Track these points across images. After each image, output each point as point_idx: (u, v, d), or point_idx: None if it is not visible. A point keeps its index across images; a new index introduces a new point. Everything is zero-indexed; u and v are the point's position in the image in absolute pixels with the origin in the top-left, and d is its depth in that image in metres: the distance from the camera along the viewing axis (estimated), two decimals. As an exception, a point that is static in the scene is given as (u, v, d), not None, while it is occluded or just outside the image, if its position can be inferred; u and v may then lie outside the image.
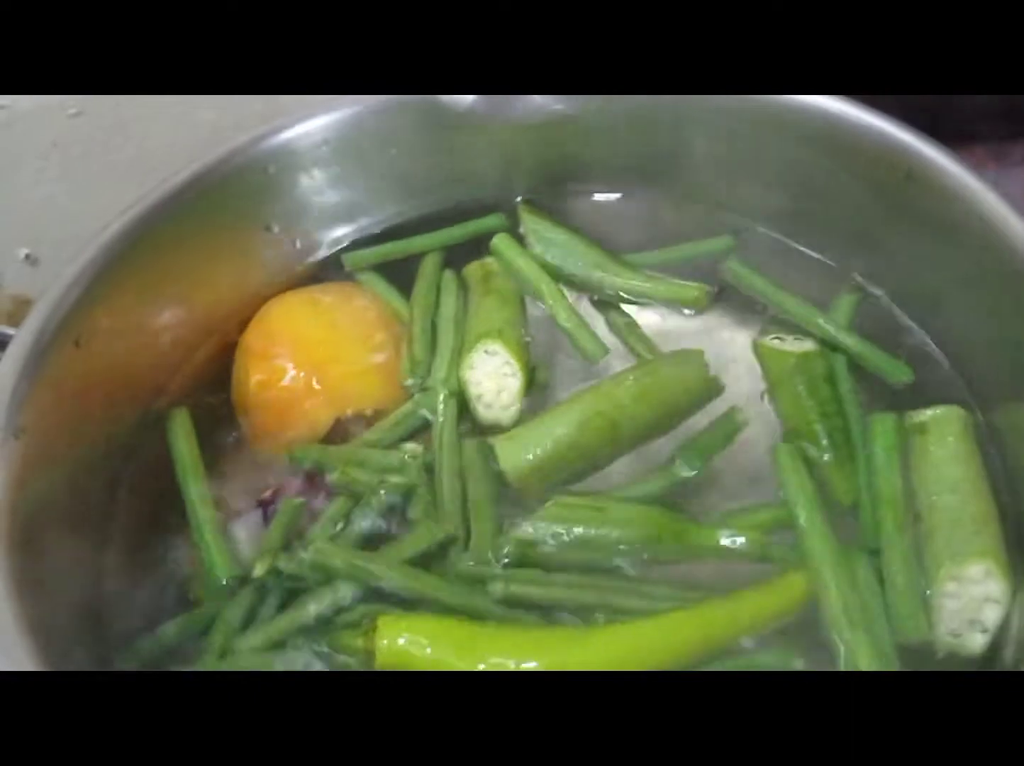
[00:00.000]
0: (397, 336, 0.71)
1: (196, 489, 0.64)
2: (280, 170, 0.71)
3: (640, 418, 0.64)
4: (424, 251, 0.76)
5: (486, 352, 0.68)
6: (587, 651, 0.56)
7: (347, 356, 0.68)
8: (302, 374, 0.66)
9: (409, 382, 0.68)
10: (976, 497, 0.59)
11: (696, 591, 0.59)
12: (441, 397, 0.66)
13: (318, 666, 0.57)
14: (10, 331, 0.59)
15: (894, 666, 0.55)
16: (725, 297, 0.73)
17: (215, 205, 0.68)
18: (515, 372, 0.67)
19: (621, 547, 0.60)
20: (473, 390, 0.67)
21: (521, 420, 0.66)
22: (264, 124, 0.71)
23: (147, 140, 0.87)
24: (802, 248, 0.75)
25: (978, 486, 0.60)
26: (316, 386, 0.66)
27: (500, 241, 0.75)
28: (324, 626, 0.58)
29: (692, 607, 0.58)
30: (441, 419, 0.66)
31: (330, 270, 0.76)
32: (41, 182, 0.85)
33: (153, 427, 0.67)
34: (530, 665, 0.55)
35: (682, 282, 0.73)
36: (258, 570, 0.59)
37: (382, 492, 0.62)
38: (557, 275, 0.73)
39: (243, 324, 0.71)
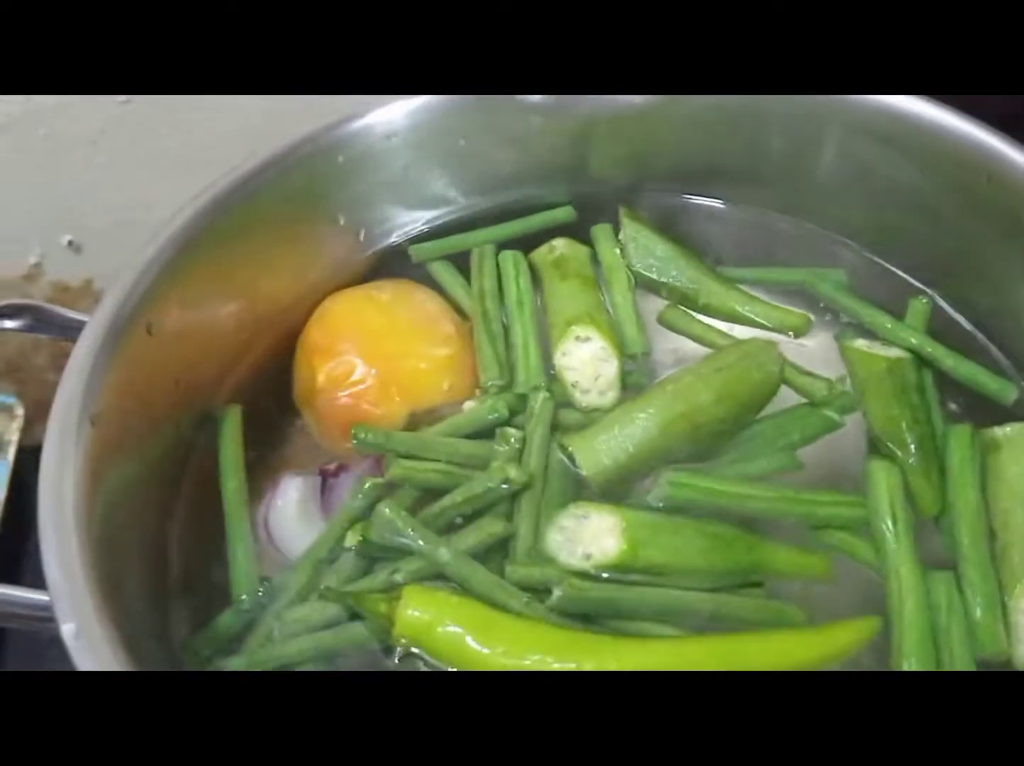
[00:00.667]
0: (462, 328, 0.70)
1: (234, 488, 0.64)
2: (349, 160, 0.70)
3: (723, 419, 0.64)
4: (492, 242, 0.76)
5: (577, 338, 0.67)
6: (603, 658, 0.55)
7: (415, 350, 0.67)
8: (372, 370, 0.66)
9: (491, 379, 0.67)
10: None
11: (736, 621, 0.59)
12: (540, 397, 0.65)
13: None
14: (84, 317, 0.58)
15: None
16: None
17: (284, 193, 0.68)
18: (610, 356, 0.67)
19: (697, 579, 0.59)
20: (568, 377, 0.66)
21: (621, 403, 0.66)
22: (323, 114, 0.70)
23: (195, 129, 0.87)
24: (884, 263, 0.76)
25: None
26: (387, 381, 0.66)
27: (599, 227, 0.76)
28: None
29: (723, 639, 0.58)
30: (534, 418, 0.64)
31: (392, 263, 0.76)
32: (87, 169, 0.84)
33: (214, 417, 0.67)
34: (541, 660, 0.55)
35: (784, 307, 0.72)
36: (349, 540, 0.60)
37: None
38: (654, 284, 0.73)
39: (305, 314, 0.71)
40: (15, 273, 0.64)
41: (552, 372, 0.67)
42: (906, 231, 0.72)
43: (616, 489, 0.62)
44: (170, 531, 0.63)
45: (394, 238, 0.77)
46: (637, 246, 0.74)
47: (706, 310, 0.72)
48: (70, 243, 0.89)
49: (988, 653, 0.56)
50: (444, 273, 0.75)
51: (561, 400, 0.66)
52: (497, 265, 0.74)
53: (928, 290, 0.73)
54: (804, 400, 0.66)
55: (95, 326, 0.57)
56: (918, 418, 0.64)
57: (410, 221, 0.77)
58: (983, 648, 0.56)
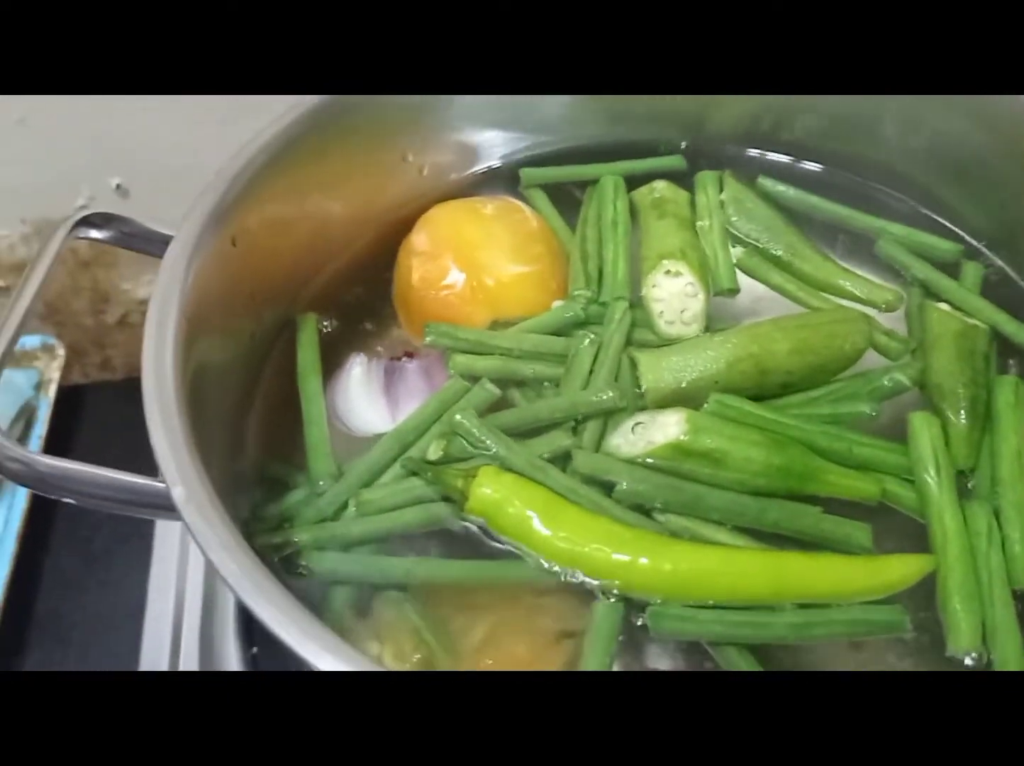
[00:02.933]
0: (554, 250, 0.76)
1: (313, 388, 0.69)
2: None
3: (791, 371, 0.67)
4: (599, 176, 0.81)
5: (668, 272, 0.72)
6: (658, 555, 0.58)
7: (506, 263, 0.72)
8: (463, 275, 0.71)
9: (578, 289, 0.73)
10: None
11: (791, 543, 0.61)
12: (621, 306, 0.71)
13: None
14: (170, 232, 0.61)
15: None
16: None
17: (357, 121, 0.73)
18: (697, 293, 0.72)
19: (755, 470, 0.62)
20: (655, 307, 0.71)
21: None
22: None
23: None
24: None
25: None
26: (475, 287, 0.71)
27: (706, 175, 0.81)
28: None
29: (776, 554, 0.60)
30: (614, 325, 0.70)
31: (495, 184, 0.83)
32: (138, 112, 0.86)
33: (288, 331, 0.73)
34: (599, 549, 0.58)
35: (876, 282, 0.75)
36: (431, 454, 0.63)
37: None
38: (750, 247, 0.77)
39: (372, 239, 0.78)
40: (62, 214, 0.67)
41: (640, 299, 0.73)
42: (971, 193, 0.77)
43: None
44: (248, 425, 0.69)
45: (496, 161, 0.84)
46: (738, 207, 0.79)
47: (800, 278, 0.75)
48: (118, 186, 0.92)
49: None
50: (540, 199, 0.81)
51: (644, 328, 0.72)
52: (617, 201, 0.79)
53: (990, 253, 0.77)
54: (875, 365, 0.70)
55: (187, 232, 0.61)
56: (977, 381, 0.67)
57: (518, 146, 0.84)
58: (1021, 581, 0.59)
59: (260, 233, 0.67)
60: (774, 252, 0.77)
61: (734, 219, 0.78)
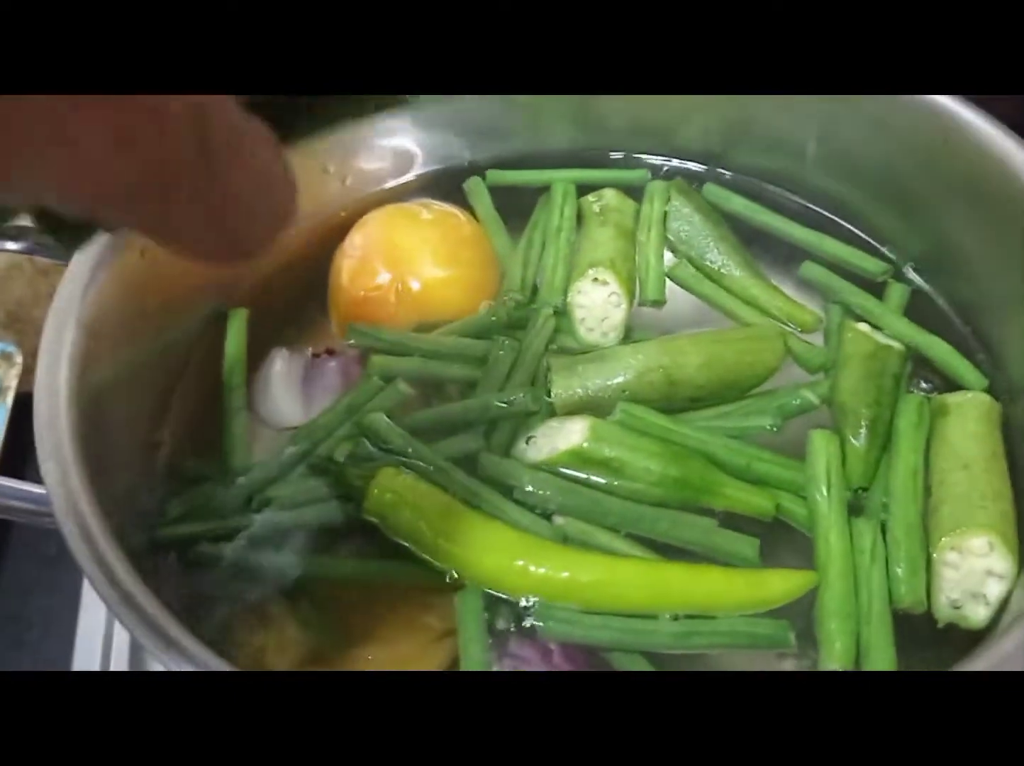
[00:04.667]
0: (486, 255, 0.77)
1: (237, 380, 0.70)
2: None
3: (701, 385, 0.68)
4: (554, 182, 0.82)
5: (595, 280, 0.73)
6: (539, 561, 0.59)
7: (433, 266, 0.74)
8: (389, 276, 0.73)
9: (511, 292, 0.74)
10: (988, 476, 0.62)
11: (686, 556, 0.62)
12: (544, 313, 0.72)
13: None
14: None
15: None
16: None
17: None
18: (620, 303, 0.73)
19: (652, 480, 0.63)
20: (577, 313, 0.73)
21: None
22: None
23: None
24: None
25: (992, 466, 0.63)
26: (401, 290, 0.72)
27: (656, 184, 0.81)
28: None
29: (658, 564, 0.61)
30: (536, 330, 0.71)
31: (442, 187, 0.84)
32: None
33: (211, 331, 0.73)
34: (488, 554, 0.59)
35: (799, 303, 0.75)
36: (338, 454, 0.65)
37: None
38: (686, 256, 0.78)
39: (306, 244, 0.78)
40: None
41: (563, 306, 0.74)
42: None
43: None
44: (166, 423, 0.69)
45: (429, 167, 0.85)
46: (679, 217, 0.79)
47: (729, 291, 0.76)
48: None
49: (907, 605, 0.59)
50: (483, 204, 0.82)
51: (568, 334, 0.73)
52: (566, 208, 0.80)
53: (915, 275, 0.78)
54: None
55: (92, 245, 0.61)
56: (881, 401, 0.67)
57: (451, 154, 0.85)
58: (900, 601, 0.59)
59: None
60: (708, 264, 0.77)
61: (675, 228, 0.79)
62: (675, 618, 0.58)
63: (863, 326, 0.71)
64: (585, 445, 0.62)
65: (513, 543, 0.60)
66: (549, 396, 0.67)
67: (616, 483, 0.62)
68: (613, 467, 0.63)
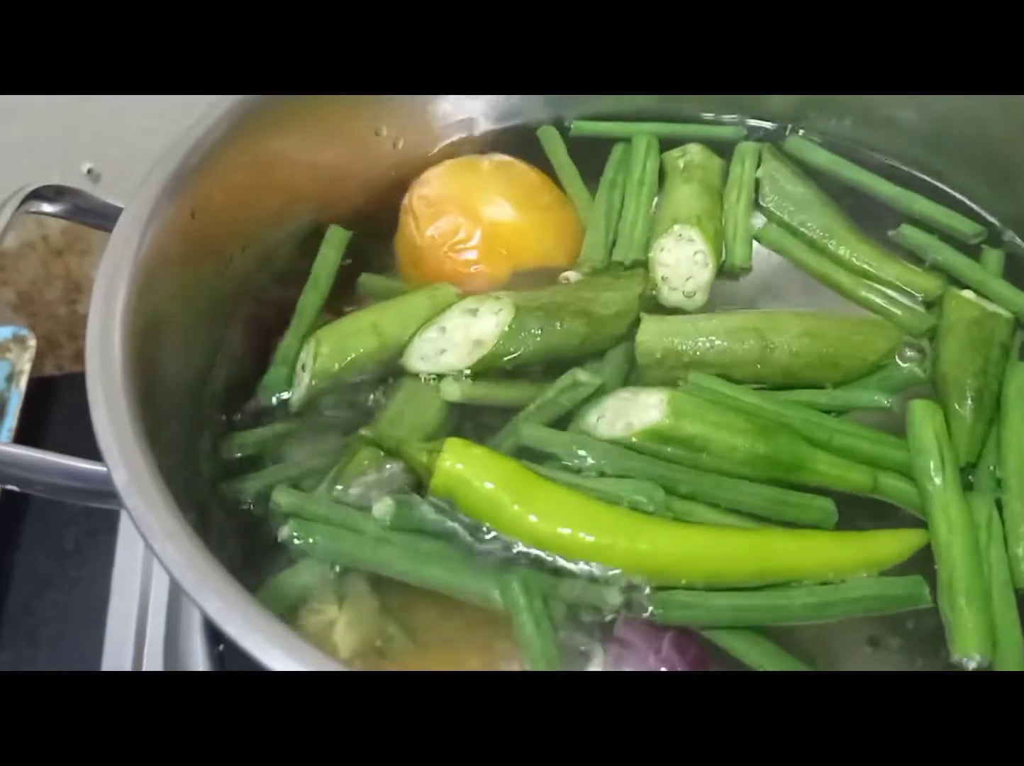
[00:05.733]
0: (562, 199, 0.75)
1: (312, 302, 0.68)
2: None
3: (799, 355, 0.63)
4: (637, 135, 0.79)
5: (680, 236, 0.70)
6: (633, 536, 0.55)
7: (516, 213, 0.70)
8: (477, 229, 0.69)
9: (592, 259, 0.71)
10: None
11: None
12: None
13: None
14: (122, 205, 0.58)
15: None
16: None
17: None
18: (707, 262, 0.69)
19: (739, 458, 0.58)
20: (660, 271, 0.69)
21: (705, 311, 0.68)
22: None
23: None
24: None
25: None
26: (494, 240, 0.69)
27: (748, 145, 0.78)
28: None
29: (761, 532, 0.57)
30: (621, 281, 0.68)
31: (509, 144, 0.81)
32: (111, 97, 0.85)
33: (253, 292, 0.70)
34: (573, 529, 0.54)
35: (918, 269, 0.70)
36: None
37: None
38: (784, 226, 0.74)
39: (344, 212, 0.74)
40: None
41: (646, 261, 0.71)
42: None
43: (660, 378, 0.63)
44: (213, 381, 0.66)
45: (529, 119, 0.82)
46: (773, 185, 0.75)
47: (836, 262, 0.71)
48: (89, 171, 0.89)
49: None
50: (558, 152, 0.79)
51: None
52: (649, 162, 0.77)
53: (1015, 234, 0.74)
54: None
55: (140, 203, 0.59)
56: (988, 371, 0.63)
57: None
58: (1022, 581, 0.56)
59: (223, 204, 0.65)
60: (807, 231, 0.73)
61: (769, 193, 0.75)
62: (806, 587, 0.55)
63: (968, 293, 0.68)
64: (666, 422, 0.58)
65: (607, 520, 0.55)
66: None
67: (699, 459, 0.58)
68: (696, 446, 0.58)
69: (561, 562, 0.55)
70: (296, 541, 0.56)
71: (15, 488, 0.54)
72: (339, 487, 0.58)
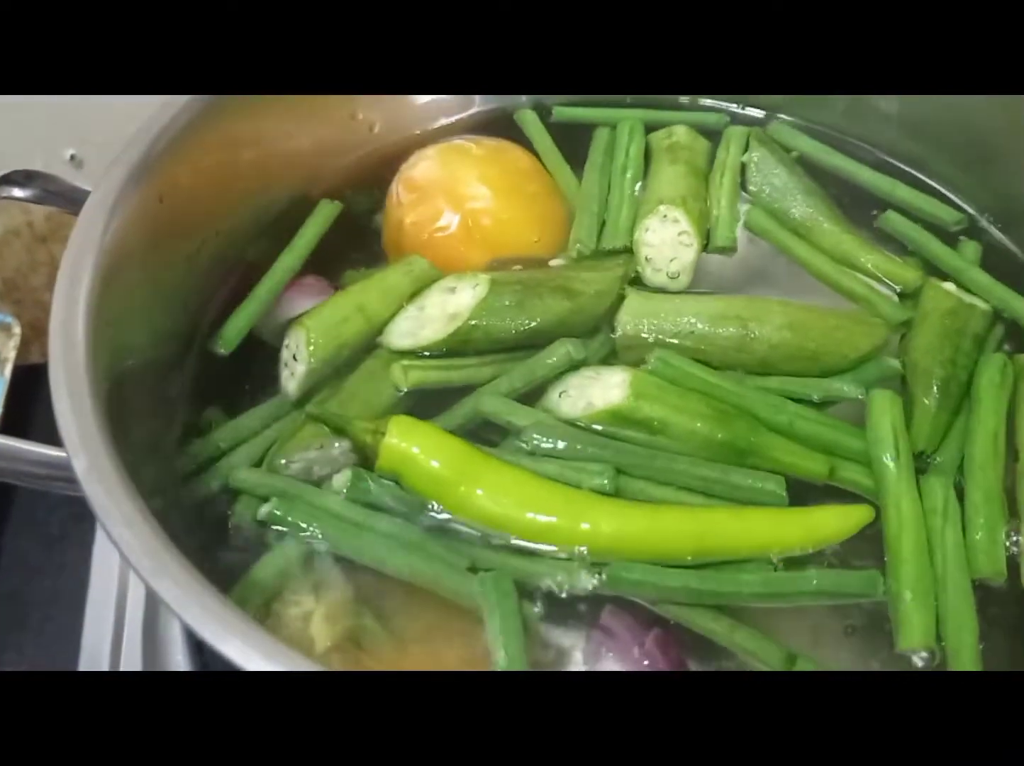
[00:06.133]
0: (549, 188, 0.75)
1: (288, 264, 0.69)
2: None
3: (778, 347, 0.63)
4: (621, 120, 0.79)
5: (664, 218, 0.70)
6: (576, 515, 0.55)
7: (501, 201, 0.71)
8: (457, 216, 0.70)
9: (581, 245, 0.71)
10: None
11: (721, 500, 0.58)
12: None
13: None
14: (87, 187, 0.57)
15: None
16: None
17: None
18: (691, 243, 0.70)
19: (697, 442, 0.58)
20: (644, 251, 0.70)
21: (689, 292, 0.68)
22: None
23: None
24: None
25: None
26: (471, 228, 0.69)
27: (735, 129, 0.78)
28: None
29: (703, 510, 0.57)
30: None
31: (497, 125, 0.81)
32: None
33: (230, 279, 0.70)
34: (517, 507, 0.55)
35: (899, 260, 0.71)
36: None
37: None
38: (768, 211, 0.74)
39: (325, 191, 0.75)
40: None
41: (631, 243, 0.71)
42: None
43: (634, 356, 0.63)
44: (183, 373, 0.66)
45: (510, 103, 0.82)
46: (759, 169, 0.76)
47: (819, 248, 0.72)
48: (72, 157, 0.89)
49: (986, 575, 0.56)
50: (541, 138, 0.79)
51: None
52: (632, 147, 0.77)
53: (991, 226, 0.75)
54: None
55: (107, 186, 0.59)
56: (957, 362, 0.63)
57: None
58: (979, 571, 0.56)
59: (192, 189, 0.65)
60: (793, 217, 0.73)
61: (756, 179, 0.75)
62: (766, 571, 0.55)
63: (949, 285, 0.68)
64: (625, 404, 0.58)
65: (549, 493, 0.56)
66: (613, 332, 0.64)
67: (656, 441, 0.58)
68: (654, 428, 0.58)
69: (515, 541, 0.55)
70: (275, 518, 0.56)
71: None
72: (281, 461, 0.59)
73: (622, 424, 0.59)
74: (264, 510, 0.56)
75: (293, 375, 0.62)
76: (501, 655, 0.51)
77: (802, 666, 0.53)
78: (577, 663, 0.53)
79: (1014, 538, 0.57)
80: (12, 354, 0.89)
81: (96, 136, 0.86)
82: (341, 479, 0.57)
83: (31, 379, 0.92)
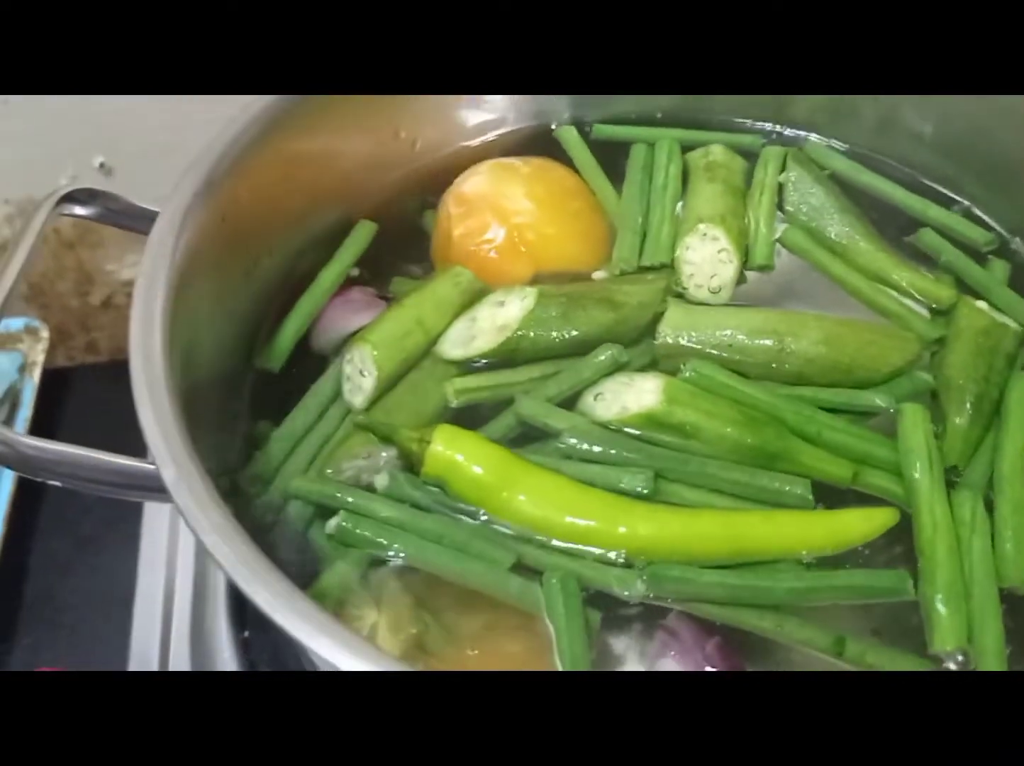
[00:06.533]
0: (593, 205, 0.78)
1: (330, 279, 0.72)
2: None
3: (811, 358, 0.65)
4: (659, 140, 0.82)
5: (704, 236, 0.72)
6: (614, 519, 0.58)
7: (545, 217, 0.74)
8: (503, 230, 0.73)
9: (623, 263, 0.73)
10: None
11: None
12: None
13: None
14: (156, 208, 0.60)
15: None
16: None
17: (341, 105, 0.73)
18: (731, 259, 0.72)
19: (727, 447, 0.61)
20: (686, 269, 0.72)
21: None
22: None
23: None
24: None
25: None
26: (516, 242, 0.72)
27: (772, 150, 0.80)
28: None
29: (736, 514, 0.60)
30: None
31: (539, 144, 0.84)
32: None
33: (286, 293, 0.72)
34: (557, 513, 0.58)
35: (932, 278, 0.72)
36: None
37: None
38: (805, 230, 0.76)
39: (365, 212, 0.77)
40: (45, 193, 0.64)
41: (671, 262, 0.73)
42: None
43: (673, 363, 0.66)
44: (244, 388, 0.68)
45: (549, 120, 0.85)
46: (796, 189, 0.77)
47: (855, 267, 0.73)
48: (102, 165, 0.90)
49: (1015, 584, 0.58)
50: (584, 158, 0.81)
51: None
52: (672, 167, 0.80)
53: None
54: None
55: (175, 207, 0.60)
56: (990, 379, 0.65)
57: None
58: (1008, 580, 0.58)
59: (251, 207, 0.67)
60: (830, 236, 0.75)
61: (793, 199, 0.77)
62: (799, 569, 0.58)
63: (981, 303, 0.70)
64: (658, 408, 0.61)
65: (587, 497, 0.59)
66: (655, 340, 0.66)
67: (688, 445, 0.61)
68: (686, 432, 0.61)
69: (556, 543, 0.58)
70: (343, 530, 0.58)
71: (58, 483, 0.55)
72: (329, 471, 0.62)
73: (655, 428, 0.61)
74: (332, 524, 0.59)
75: (361, 389, 0.64)
76: (566, 656, 0.54)
77: (851, 648, 0.55)
78: (638, 663, 0.56)
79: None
80: (41, 357, 0.91)
81: (125, 144, 0.87)
82: (382, 479, 0.60)
83: (57, 382, 0.93)
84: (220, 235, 0.63)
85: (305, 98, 0.68)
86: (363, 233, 0.76)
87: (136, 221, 0.64)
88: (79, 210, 0.63)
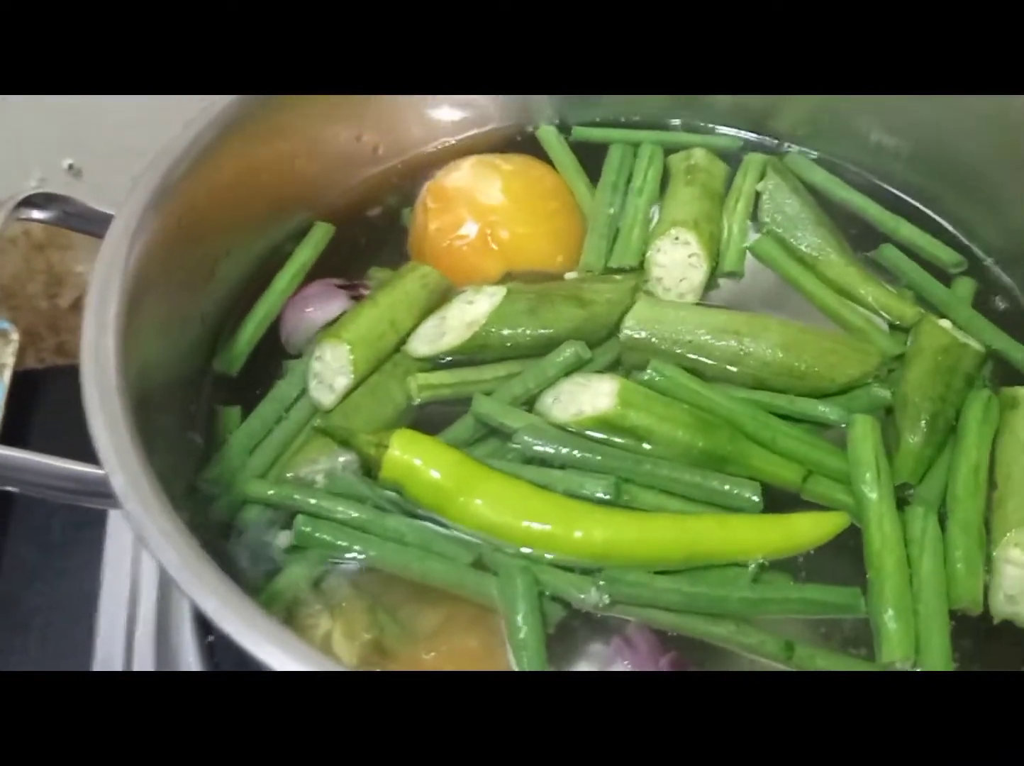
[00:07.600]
0: (569, 206, 0.78)
1: (283, 286, 0.73)
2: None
3: (767, 362, 0.66)
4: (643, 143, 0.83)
5: (676, 239, 0.73)
6: (569, 524, 0.58)
7: (521, 216, 0.74)
8: (476, 227, 0.73)
9: (590, 266, 0.74)
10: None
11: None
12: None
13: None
14: (114, 212, 0.59)
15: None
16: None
17: (309, 100, 0.73)
18: (701, 264, 0.73)
19: (678, 450, 0.62)
20: (655, 271, 0.73)
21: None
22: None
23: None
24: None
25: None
26: (489, 239, 0.73)
27: (755, 157, 0.81)
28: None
29: (690, 518, 0.60)
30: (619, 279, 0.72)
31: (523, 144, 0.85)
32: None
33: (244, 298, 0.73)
34: (514, 516, 0.58)
35: (899, 295, 0.73)
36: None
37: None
38: (777, 239, 0.76)
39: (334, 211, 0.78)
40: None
41: (641, 262, 0.74)
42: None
43: (638, 360, 0.67)
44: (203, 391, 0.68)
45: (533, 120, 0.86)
46: (771, 198, 0.78)
47: (823, 280, 0.74)
48: (70, 167, 0.90)
49: (963, 605, 0.59)
50: (565, 158, 0.82)
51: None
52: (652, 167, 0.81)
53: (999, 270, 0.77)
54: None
55: (129, 211, 0.60)
56: (946, 398, 0.65)
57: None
58: (958, 601, 0.59)
59: (209, 210, 0.67)
60: (802, 248, 0.75)
61: (769, 208, 0.78)
62: (749, 581, 0.58)
63: (945, 322, 0.70)
64: (612, 411, 0.61)
65: (544, 503, 0.59)
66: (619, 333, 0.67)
67: (640, 448, 0.62)
68: (640, 435, 0.62)
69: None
70: (302, 533, 0.59)
71: (11, 489, 0.55)
72: (288, 475, 0.62)
73: (610, 431, 0.62)
74: (290, 531, 0.59)
75: (332, 388, 0.64)
76: (522, 655, 0.55)
77: (800, 653, 0.56)
78: (590, 666, 0.56)
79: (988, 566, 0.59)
80: (11, 360, 0.90)
81: (94, 145, 0.88)
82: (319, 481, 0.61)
83: (27, 384, 0.93)
84: (177, 239, 0.63)
85: (265, 100, 0.68)
86: (320, 235, 0.76)
87: (94, 225, 0.63)
88: (37, 214, 0.63)
